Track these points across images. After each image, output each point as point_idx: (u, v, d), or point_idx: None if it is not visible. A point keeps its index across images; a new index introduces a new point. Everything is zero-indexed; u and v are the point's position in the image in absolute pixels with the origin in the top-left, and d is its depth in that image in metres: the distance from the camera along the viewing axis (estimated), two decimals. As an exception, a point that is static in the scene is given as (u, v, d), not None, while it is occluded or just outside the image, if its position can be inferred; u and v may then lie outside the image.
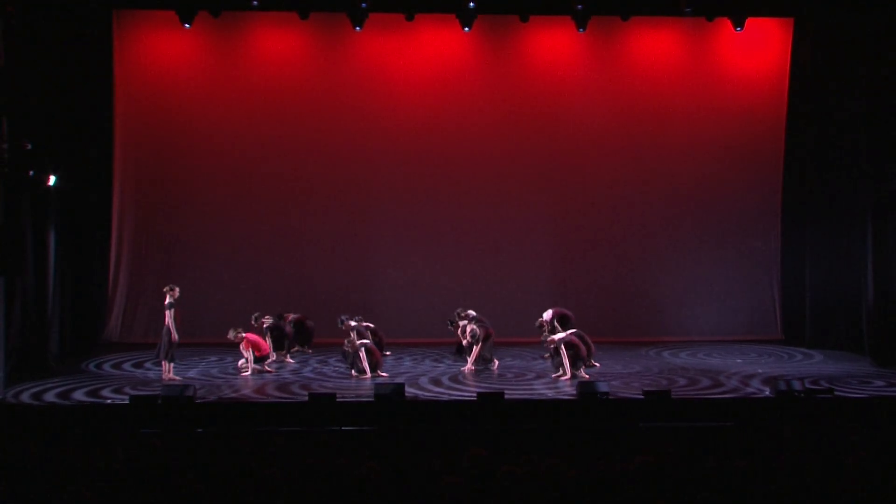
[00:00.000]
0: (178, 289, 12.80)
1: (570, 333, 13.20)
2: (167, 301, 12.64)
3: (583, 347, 13.01)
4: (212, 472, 6.44)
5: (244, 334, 13.17)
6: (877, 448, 7.57)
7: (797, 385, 11.41)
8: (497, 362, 13.67)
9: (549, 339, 13.09)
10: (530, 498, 5.88)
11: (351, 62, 16.28)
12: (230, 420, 10.61)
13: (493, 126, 16.44)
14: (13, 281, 12.34)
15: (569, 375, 12.69)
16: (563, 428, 10.29)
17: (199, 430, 10.04)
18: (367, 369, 12.89)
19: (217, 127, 16.15)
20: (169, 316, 12.52)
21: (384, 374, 13.05)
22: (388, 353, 14.34)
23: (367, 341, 13.24)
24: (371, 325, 14.09)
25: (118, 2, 15.42)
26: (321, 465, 6.45)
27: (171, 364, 12.72)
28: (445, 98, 16.42)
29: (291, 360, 14.08)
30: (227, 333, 13.14)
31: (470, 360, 13.43)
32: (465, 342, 13.61)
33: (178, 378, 12.67)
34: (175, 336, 12.51)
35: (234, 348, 13.57)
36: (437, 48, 16.36)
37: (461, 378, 12.98)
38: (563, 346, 12.77)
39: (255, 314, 13.87)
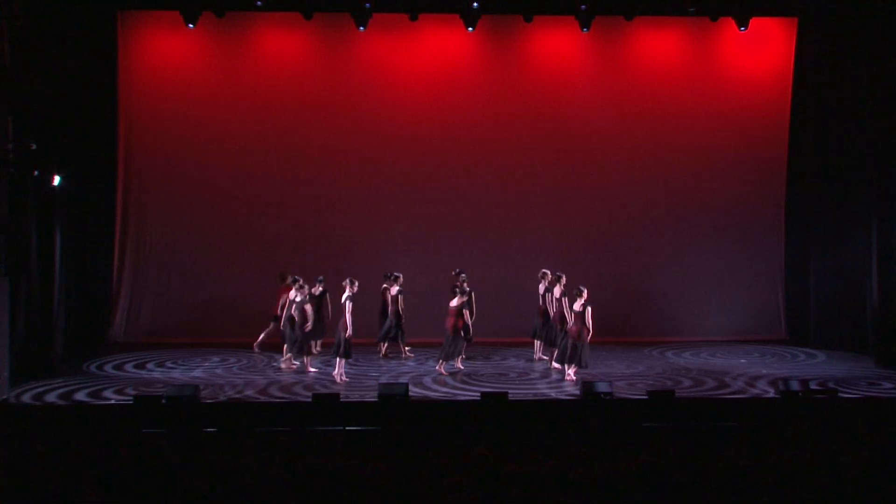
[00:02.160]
0: (356, 283, 12.71)
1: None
2: (346, 294, 12.48)
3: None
4: (216, 472, 6.44)
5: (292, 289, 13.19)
6: (879, 448, 7.55)
7: (801, 386, 11.39)
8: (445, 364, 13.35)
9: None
10: (534, 498, 5.88)
11: (354, 62, 16.29)
12: (234, 420, 10.63)
13: (496, 126, 16.45)
14: (18, 281, 12.36)
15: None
16: (567, 428, 10.29)
17: (204, 430, 10.04)
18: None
19: (221, 127, 16.16)
20: (347, 310, 12.42)
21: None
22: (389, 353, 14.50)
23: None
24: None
25: (123, 2, 15.45)
26: (325, 465, 6.45)
27: (346, 361, 12.73)
28: (448, 98, 16.42)
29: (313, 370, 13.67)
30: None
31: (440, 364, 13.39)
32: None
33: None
34: (350, 332, 12.45)
35: (236, 349, 13.59)
36: (440, 48, 16.37)
37: (464, 378, 13.00)
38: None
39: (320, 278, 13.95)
